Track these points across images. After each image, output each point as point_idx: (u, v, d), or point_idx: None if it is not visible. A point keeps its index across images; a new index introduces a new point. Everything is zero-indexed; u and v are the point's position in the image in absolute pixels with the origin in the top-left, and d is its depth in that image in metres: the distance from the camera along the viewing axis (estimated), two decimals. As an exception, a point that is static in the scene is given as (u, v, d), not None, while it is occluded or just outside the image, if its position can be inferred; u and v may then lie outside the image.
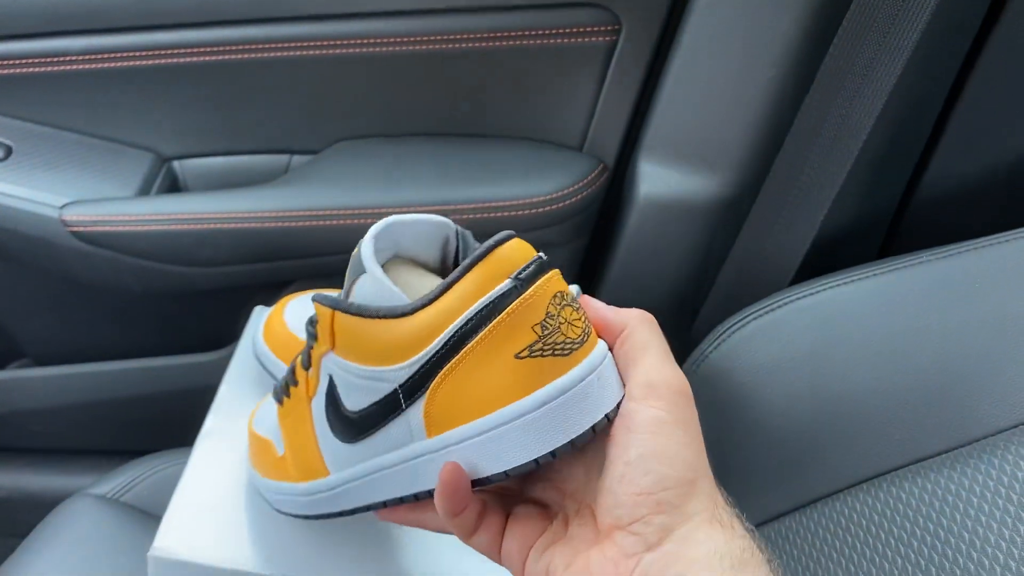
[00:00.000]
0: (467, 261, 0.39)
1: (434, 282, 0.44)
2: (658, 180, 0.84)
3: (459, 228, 0.47)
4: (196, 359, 0.99)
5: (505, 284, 0.38)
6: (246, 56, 0.84)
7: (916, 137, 0.79)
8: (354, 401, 0.44)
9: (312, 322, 0.46)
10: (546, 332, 0.38)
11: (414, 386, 0.41)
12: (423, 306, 0.40)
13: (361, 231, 0.84)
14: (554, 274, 0.40)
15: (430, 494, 0.42)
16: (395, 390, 0.41)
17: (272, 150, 0.92)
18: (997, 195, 0.80)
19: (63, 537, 0.74)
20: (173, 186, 0.92)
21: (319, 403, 0.48)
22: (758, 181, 0.79)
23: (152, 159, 0.91)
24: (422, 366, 0.40)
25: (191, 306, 0.96)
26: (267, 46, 0.84)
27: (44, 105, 0.88)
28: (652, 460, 0.37)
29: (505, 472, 0.39)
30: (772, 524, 0.65)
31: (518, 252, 0.40)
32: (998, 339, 0.59)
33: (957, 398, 0.58)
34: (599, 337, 0.42)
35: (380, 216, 0.83)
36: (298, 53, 0.84)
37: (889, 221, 0.84)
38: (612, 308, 0.43)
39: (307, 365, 0.48)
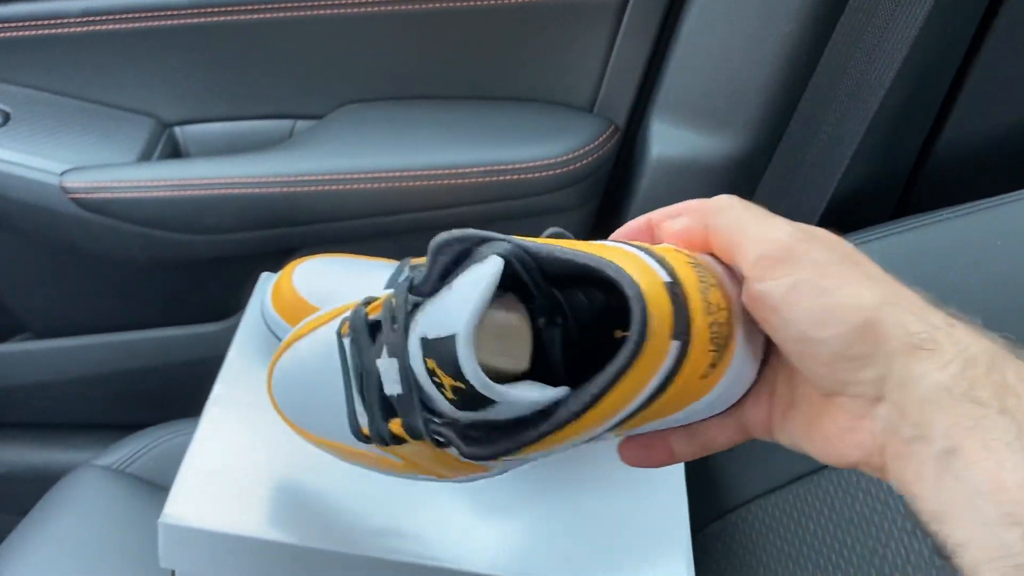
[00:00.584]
0: (626, 352, 0.34)
1: (516, 315, 0.39)
2: (671, 141, 0.82)
3: (505, 250, 0.39)
4: (201, 329, 0.98)
5: (673, 350, 0.35)
6: (248, 17, 0.83)
7: (935, 94, 0.77)
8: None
9: (438, 443, 0.42)
10: (716, 341, 0.36)
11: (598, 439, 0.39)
12: (592, 404, 0.36)
13: (368, 196, 0.84)
14: (687, 274, 0.36)
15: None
16: None
17: (276, 115, 0.91)
18: (1016, 152, 0.79)
19: (69, 509, 0.73)
20: (174, 152, 0.91)
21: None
22: (774, 140, 0.77)
23: (153, 125, 0.90)
24: (604, 432, 0.38)
25: (195, 276, 0.95)
26: (270, 6, 0.83)
27: (42, 70, 0.87)
28: (812, 330, 0.34)
29: None
30: (749, 505, 0.66)
31: (658, 296, 0.35)
32: (1019, 297, 0.58)
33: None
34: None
35: (387, 180, 0.83)
36: (302, 13, 0.83)
37: (906, 179, 0.83)
38: (667, 214, 0.41)
39: (421, 438, 0.43)
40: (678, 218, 0.40)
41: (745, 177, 0.82)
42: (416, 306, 0.41)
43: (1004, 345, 0.34)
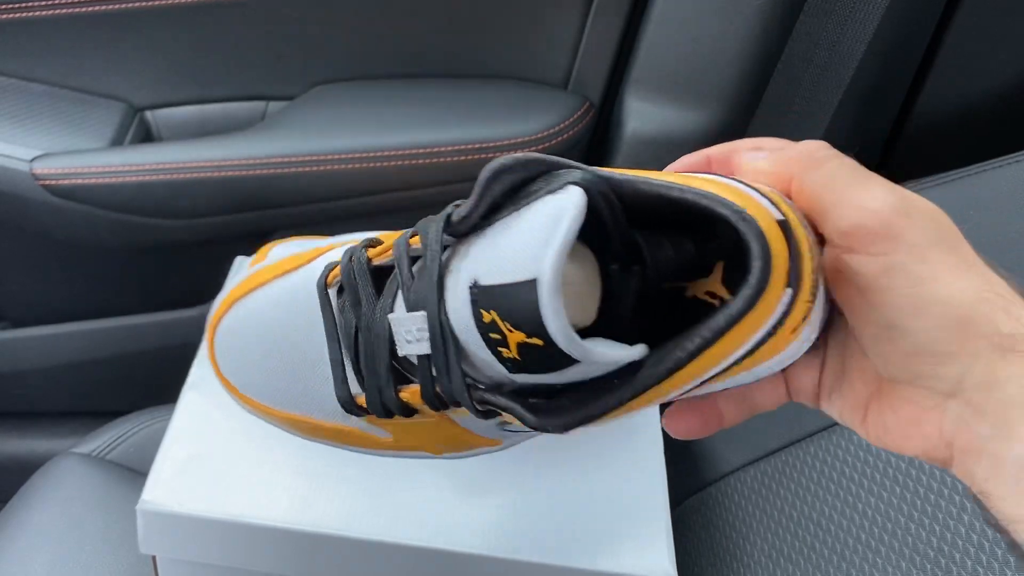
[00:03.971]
0: (742, 300, 0.29)
1: (585, 266, 0.34)
2: (646, 116, 0.82)
3: (584, 186, 0.32)
4: (178, 315, 0.97)
5: (785, 298, 0.30)
6: (217, -2, 0.82)
7: (908, 62, 0.77)
8: None
9: (479, 410, 0.36)
10: (813, 292, 0.31)
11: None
12: (685, 362, 0.30)
13: (342, 177, 0.83)
14: (792, 214, 0.31)
15: None
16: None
17: (248, 97, 0.90)
18: (991, 120, 0.79)
19: (48, 497, 0.73)
20: (146, 137, 0.90)
21: (479, 424, 0.39)
22: (748, 114, 0.77)
23: (124, 109, 0.89)
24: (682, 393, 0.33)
25: (170, 261, 0.94)
26: (238, -14, 0.82)
27: (10, 55, 0.86)
28: (901, 319, 0.31)
29: None
30: (728, 478, 0.66)
31: (775, 237, 0.30)
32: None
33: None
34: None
35: (361, 160, 0.83)
36: (271, -8, 0.82)
37: (881, 151, 0.83)
38: (743, 146, 0.36)
39: (445, 407, 0.39)
40: (758, 154, 0.36)
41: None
42: (446, 248, 0.35)
43: None
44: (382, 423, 0.44)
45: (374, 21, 0.85)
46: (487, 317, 0.32)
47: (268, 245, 0.68)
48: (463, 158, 0.83)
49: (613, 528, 0.57)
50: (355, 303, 0.40)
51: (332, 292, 0.42)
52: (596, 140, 0.90)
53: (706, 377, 0.31)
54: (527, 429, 0.35)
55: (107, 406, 0.98)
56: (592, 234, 0.32)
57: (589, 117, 0.87)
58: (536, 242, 0.30)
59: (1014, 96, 0.78)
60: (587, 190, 0.31)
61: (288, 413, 0.47)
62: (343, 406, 0.43)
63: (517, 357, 0.31)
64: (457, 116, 0.86)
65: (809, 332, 0.33)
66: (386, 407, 0.40)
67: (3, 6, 0.82)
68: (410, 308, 0.36)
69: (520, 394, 0.33)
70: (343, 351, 0.42)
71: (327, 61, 0.88)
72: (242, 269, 0.68)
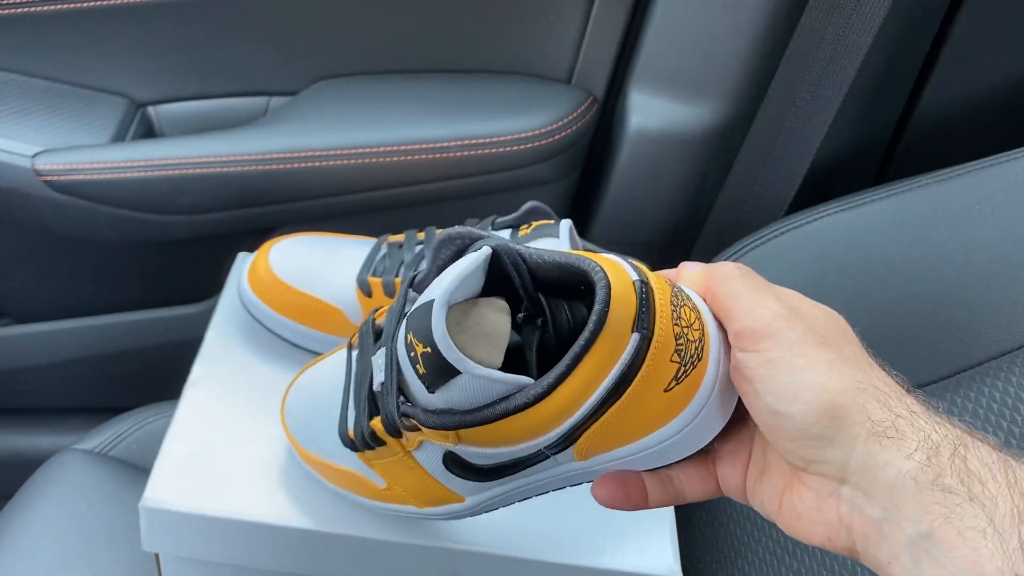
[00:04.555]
0: (586, 332, 0.36)
1: (498, 312, 0.41)
2: (650, 111, 0.82)
3: (494, 246, 0.41)
4: (180, 311, 0.97)
5: (633, 341, 0.37)
6: (219, -8, 0.82)
7: (913, 58, 0.77)
8: (484, 461, 0.43)
9: (406, 425, 0.43)
10: (682, 354, 0.38)
11: (561, 443, 0.40)
12: (554, 388, 0.37)
13: (344, 173, 0.83)
14: (660, 284, 0.38)
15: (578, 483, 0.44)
16: (539, 451, 0.40)
17: (250, 92, 0.90)
18: (995, 117, 0.79)
19: (51, 493, 0.73)
20: (148, 132, 0.90)
21: (428, 457, 0.45)
22: (753, 108, 0.77)
23: (126, 104, 0.88)
24: (569, 431, 0.39)
25: (173, 257, 0.94)
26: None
27: (12, 51, 0.86)
28: (779, 404, 0.36)
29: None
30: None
31: (625, 290, 0.37)
32: (1000, 262, 0.58)
33: (959, 322, 0.58)
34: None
35: (364, 156, 0.83)
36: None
37: (886, 146, 0.83)
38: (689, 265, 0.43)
39: (396, 435, 0.45)
40: (693, 267, 0.42)
41: (724, 146, 0.82)
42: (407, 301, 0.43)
43: (963, 430, 0.35)
44: (371, 464, 0.49)
45: (376, 16, 0.84)
46: (409, 338, 0.39)
47: (268, 243, 0.68)
48: (466, 153, 0.83)
49: (617, 525, 0.57)
50: (361, 354, 0.49)
51: (355, 352, 0.50)
52: (599, 135, 0.90)
53: (576, 417, 0.38)
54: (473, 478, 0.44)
55: (109, 402, 0.98)
56: (507, 295, 0.41)
57: (593, 112, 0.87)
58: (443, 277, 0.39)
59: (1020, 91, 0.77)
60: (496, 249, 0.40)
61: (319, 458, 0.54)
62: (341, 439, 0.50)
63: (424, 371, 0.39)
64: (460, 111, 0.86)
65: (703, 415, 0.39)
66: (363, 436, 0.47)
67: (5, 1, 0.82)
68: (381, 347, 0.45)
69: (435, 412, 0.40)
70: (350, 394, 0.50)
71: (329, 56, 0.88)
72: (244, 265, 0.68)
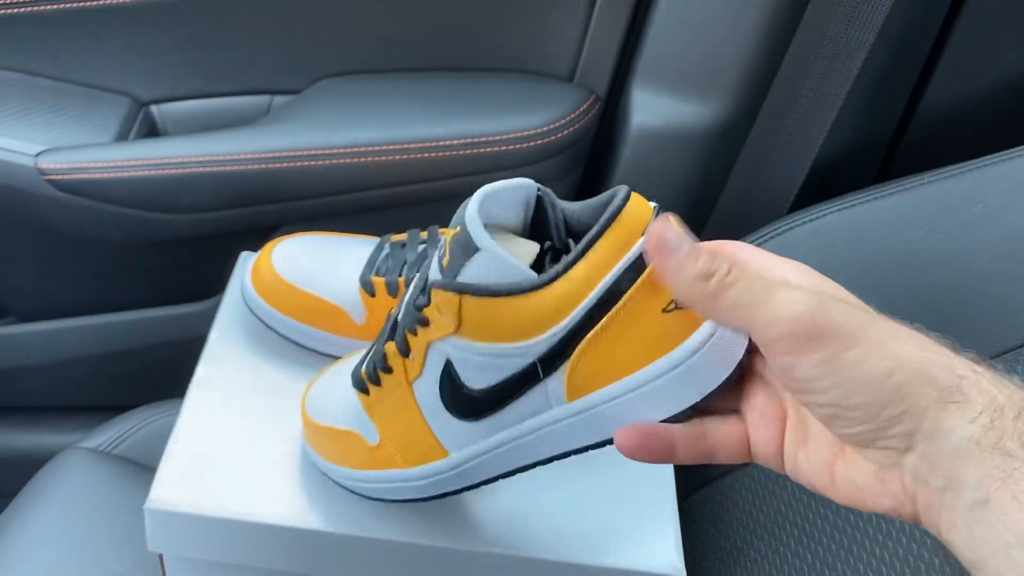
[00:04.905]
0: (597, 227, 0.38)
1: (530, 246, 0.43)
2: (652, 109, 0.82)
3: (540, 187, 0.44)
4: (183, 310, 0.97)
5: (638, 245, 0.37)
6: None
7: (915, 56, 0.77)
8: (480, 380, 0.43)
9: (419, 307, 0.44)
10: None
11: (555, 356, 0.40)
12: (558, 276, 0.39)
13: (347, 171, 0.83)
14: (676, 219, 0.38)
15: (568, 455, 0.43)
16: (533, 363, 0.41)
17: (252, 91, 0.90)
18: (998, 114, 0.78)
19: (56, 492, 0.73)
20: (151, 131, 0.90)
21: (427, 385, 0.46)
22: (755, 106, 0.77)
23: (129, 104, 0.88)
24: (564, 336, 0.39)
25: (176, 256, 0.94)
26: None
27: (14, 50, 0.86)
28: (845, 400, 0.34)
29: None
30: (735, 472, 0.66)
31: (642, 207, 0.38)
32: (1002, 260, 0.58)
33: (961, 320, 0.58)
34: None
35: (366, 155, 0.83)
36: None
37: (888, 144, 0.83)
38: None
39: (405, 352, 0.46)
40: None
41: (726, 144, 0.81)
42: None
43: None
44: (371, 410, 0.50)
45: (378, 15, 0.85)
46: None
47: (271, 243, 0.68)
48: (468, 152, 0.83)
49: (620, 523, 0.57)
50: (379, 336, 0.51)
51: None
52: (602, 133, 0.90)
53: (575, 317, 0.38)
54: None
55: (113, 400, 0.98)
56: (541, 236, 0.44)
57: (595, 110, 0.87)
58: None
59: (1022, 88, 0.77)
60: (539, 191, 0.43)
61: (321, 423, 0.55)
62: (352, 381, 0.52)
63: (448, 259, 0.42)
64: (462, 110, 0.86)
65: (705, 351, 0.38)
66: (374, 366, 0.49)
67: (9, 1, 0.82)
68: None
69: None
70: (371, 348, 0.52)
71: (332, 55, 0.88)
72: (247, 264, 0.68)
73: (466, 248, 0.41)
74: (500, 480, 0.57)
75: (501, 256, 0.40)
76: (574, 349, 0.39)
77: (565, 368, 0.40)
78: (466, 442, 0.46)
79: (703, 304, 0.36)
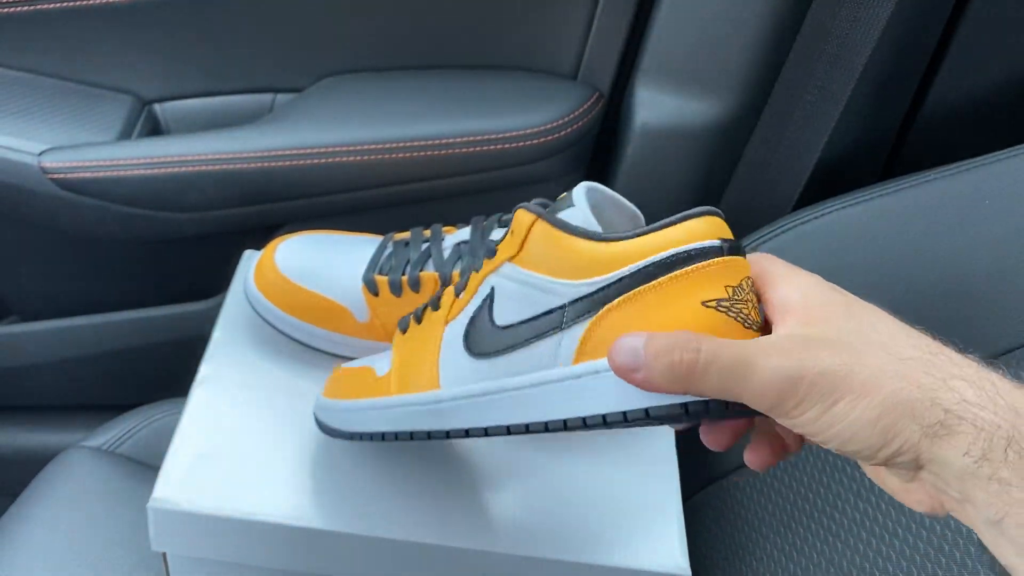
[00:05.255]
0: (677, 216, 0.40)
1: (633, 210, 0.48)
2: (656, 107, 0.82)
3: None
4: (187, 308, 0.97)
5: (712, 241, 0.39)
6: (223, -11, 0.82)
7: (921, 52, 0.77)
8: (509, 315, 0.45)
9: (495, 241, 0.47)
10: (736, 296, 0.39)
11: (583, 306, 0.41)
12: (627, 238, 0.40)
13: (350, 170, 0.83)
14: (747, 262, 0.40)
15: (546, 428, 0.43)
16: (563, 305, 0.42)
17: (256, 89, 0.90)
18: (1003, 111, 0.78)
19: (59, 491, 0.73)
20: (155, 130, 0.90)
21: (458, 324, 0.48)
22: (760, 103, 0.77)
23: (132, 102, 0.88)
24: (600, 289, 0.41)
25: (180, 254, 0.94)
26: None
27: (17, 49, 0.86)
28: (844, 446, 0.36)
29: (645, 411, 0.39)
30: (740, 471, 0.66)
31: (724, 227, 0.40)
32: (1007, 257, 0.58)
33: (965, 318, 0.58)
34: None
35: (369, 153, 0.82)
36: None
37: (893, 141, 0.82)
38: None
39: (461, 290, 0.49)
40: (636, 371, 0.38)
41: (731, 141, 0.81)
42: None
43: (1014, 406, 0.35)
44: (398, 347, 0.53)
45: (381, 12, 0.84)
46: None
47: (275, 241, 0.68)
48: (472, 150, 0.83)
49: (625, 522, 0.57)
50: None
51: None
52: (606, 131, 0.90)
53: (624, 272, 0.40)
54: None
55: (116, 399, 0.98)
56: None
57: (599, 108, 0.87)
58: None
59: (1028, 85, 0.77)
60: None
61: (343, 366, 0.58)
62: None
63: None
64: (465, 107, 0.86)
65: None
66: (437, 300, 0.51)
67: (11, 0, 0.82)
68: None
69: None
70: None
71: (335, 53, 0.88)
72: (251, 263, 0.68)
73: (561, 203, 0.45)
74: (503, 480, 0.57)
75: (588, 218, 0.43)
76: (601, 307, 0.40)
77: (585, 325, 0.41)
78: (462, 381, 0.47)
79: (688, 387, 0.37)
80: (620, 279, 0.40)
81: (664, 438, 0.63)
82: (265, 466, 0.57)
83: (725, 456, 0.68)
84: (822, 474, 0.59)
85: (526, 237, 0.44)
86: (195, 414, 0.60)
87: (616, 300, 0.40)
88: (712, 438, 0.43)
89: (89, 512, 0.71)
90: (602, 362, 0.40)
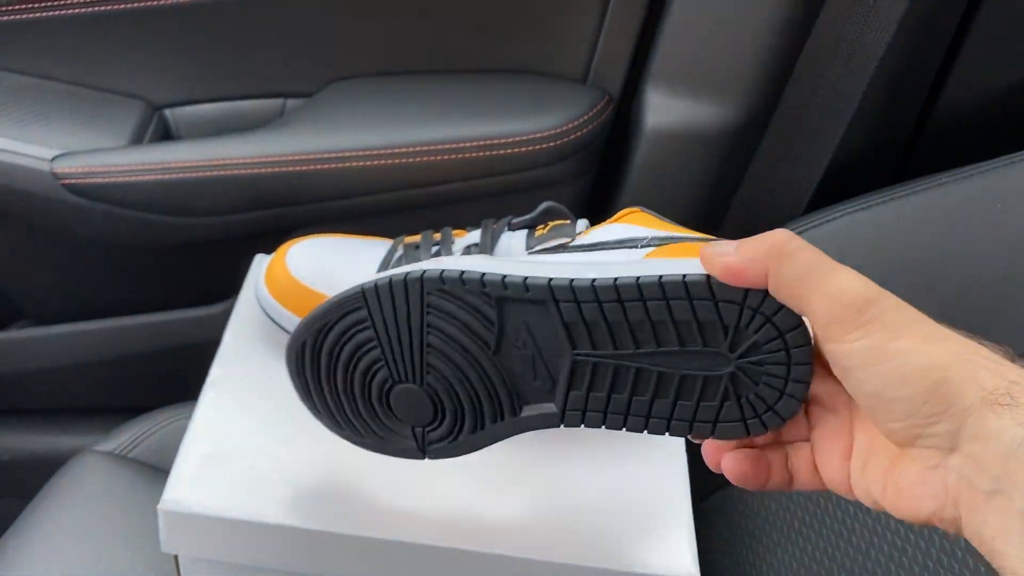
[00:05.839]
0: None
1: None
2: (666, 110, 0.82)
3: None
4: (199, 313, 0.97)
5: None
6: (234, -5, 0.82)
7: (933, 55, 0.76)
8: None
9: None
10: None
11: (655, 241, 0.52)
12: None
13: (361, 174, 0.83)
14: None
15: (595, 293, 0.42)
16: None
17: (266, 94, 0.90)
18: (1016, 112, 0.78)
19: (71, 495, 0.73)
20: (165, 135, 0.90)
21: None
22: (770, 107, 0.77)
23: (143, 107, 0.89)
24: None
25: (191, 259, 0.95)
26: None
27: (29, 55, 0.86)
28: (886, 391, 0.34)
29: (706, 278, 0.39)
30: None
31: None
32: (1021, 260, 0.58)
33: (980, 322, 0.57)
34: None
35: (380, 157, 0.83)
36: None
37: (905, 144, 0.82)
38: (730, 249, 0.39)
39: None
40: (725, 248, 0.39)
41: (742, 145, 0.81)
42: None
43: None
44: None
45: (391, 17, 0.84)
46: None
47: (286, 245, 0.68)
48: (482, 154, 0.83)
49: (634, 526, 0.57)
50: None
51: None
52: (616, 134, 0.90)
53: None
54: None
55: (128, 403, 0.98)
56: None
57: (609, 111, 0.87)
58: None
59: (1041, 88, 0.77)
60: None
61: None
62: None
63: None
64: (475, 111, 0.86)
65: None
66: None
67: (22, 5, 0.82)
68: None
69: None
70: None
71: (344, 57, 0.88)
72: (262, 267, 0.68)
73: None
74: (512, 483, 0.57)
75: None
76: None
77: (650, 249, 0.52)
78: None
79: (771, 263, 0.36)
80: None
81: (674, 442, 0.63)
82: (275, 468, 0.58)
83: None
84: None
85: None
86: (206, 416, 0.61)
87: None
88: (712, 452, 0.43)
89: (101, 516, 0.71)
90: (671, 261, 0.41)
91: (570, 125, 0.84)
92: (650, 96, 0.83)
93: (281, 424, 0.60)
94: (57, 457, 0.82)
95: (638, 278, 0.40)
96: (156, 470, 0.76)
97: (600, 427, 0.45)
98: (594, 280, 0.42)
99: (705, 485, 0.68)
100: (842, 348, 0.35)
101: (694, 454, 0.62)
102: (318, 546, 0.56)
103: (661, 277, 0.40)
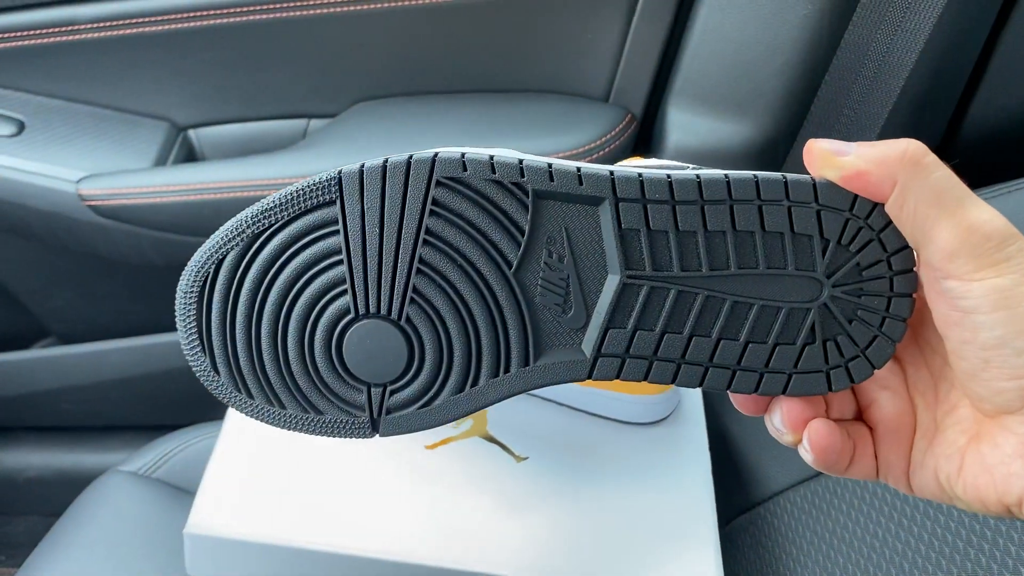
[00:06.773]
0: None
1: None
2: (689, 129, 0.81)
3: None
4: (222, 331, 0.97)
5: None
6: (259, 18, 0.82)
7: (960, 72, 0.76)
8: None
9: None
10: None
11: None
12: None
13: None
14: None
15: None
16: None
17: (289, 115, 0.90)
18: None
19: (97, 516, 0.73)
20: (190, 156, 0.91)
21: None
22: (794, 126, 0.76)
23: (167, 129, 0.89)
24: None
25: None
26: (280, 6, 0.82)
27: (55, 78, 0.87)
28: (1014, 339, 0.30)
29: (812, 181, 0.33)
30: (778, 498, 0.65)
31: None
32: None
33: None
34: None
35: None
36: (312, 12, 0.82)
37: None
38: (851, 152, 0.33)
39: None
40: (844, 149, 0.33)
41: (765, 164, 0.80)
42: None
43: None
44: None
45: (413, 38, 0.85)
46: None
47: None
48: (505, 173, 0.83)
49: (660, 549, 0.57)
50: None
51: None
52: (638, 153, 0.89)
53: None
54: None
55: (153, 421, 0.99)
56: None
57: (631, 130, 0.86)
58: None
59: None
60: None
61: None
62: None
63: None
64: (498, 131, 0.86)
65: None
66: None
67: (48, 30, 0.83)
68: None
69: None
70: None
71: (367, 78, 0.88)
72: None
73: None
74: (534, 503, 0.56)
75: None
76: None
77: None
78: None
79: (903, 172, 0.31)
80: None
81: (699, 460, 0.62)
82: (300, 492, 0.57)
83: (763, 481, 0.67)
84: (862, 502, 0.58)
85: None
86: (230, 439, 0.61)
87: None
88: (795, 413, 0.36)
89: (126, 537, 0.71)
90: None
91: (593, 144, 0.83)
92: (673, 115, 0.82)
93: (306, 447, 0.60)
94: (82, 475, 0.82)
95: (727, 174, 0.33)
96: (180, 491, 0.77)
97: (641, 379, 0.35)
98: (669, 175, 0.33)
99: (732, 507, 0.67)
100: (970, 286, 0.30)
101: (719, 475, 0.62)
102: (345, 569, 0.55)
103: (756, 175, 0.33)
